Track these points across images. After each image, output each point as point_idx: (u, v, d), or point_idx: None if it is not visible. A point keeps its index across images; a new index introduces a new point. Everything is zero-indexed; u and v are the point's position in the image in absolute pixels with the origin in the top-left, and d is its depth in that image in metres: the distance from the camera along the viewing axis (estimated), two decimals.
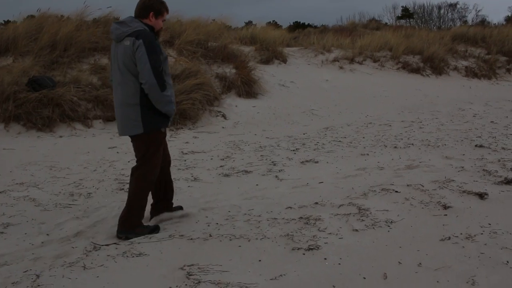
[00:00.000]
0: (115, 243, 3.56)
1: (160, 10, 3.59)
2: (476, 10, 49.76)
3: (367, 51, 14.02)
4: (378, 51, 14.05)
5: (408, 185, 4.72)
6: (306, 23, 34.94)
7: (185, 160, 6.10)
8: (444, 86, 12.31)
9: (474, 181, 4.84)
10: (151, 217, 3.96)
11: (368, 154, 6.18)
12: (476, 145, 6.40)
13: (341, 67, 13.03)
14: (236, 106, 9.25)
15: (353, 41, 14.45)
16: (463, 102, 10.45)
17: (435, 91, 11.63)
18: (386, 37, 14.91)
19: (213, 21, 17.82)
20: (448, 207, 4.10)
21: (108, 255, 3.34)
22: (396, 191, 4.53)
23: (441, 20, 54.64)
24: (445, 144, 6.55)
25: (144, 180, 3.64)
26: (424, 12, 55.90)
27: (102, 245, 3.52)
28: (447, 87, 12.17)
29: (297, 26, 34.45)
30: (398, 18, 58.10)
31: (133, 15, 3.64)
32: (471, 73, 13.73)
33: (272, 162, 5.94)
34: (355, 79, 12.09)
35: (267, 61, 12.73)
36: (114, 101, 3.69)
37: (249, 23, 16.91)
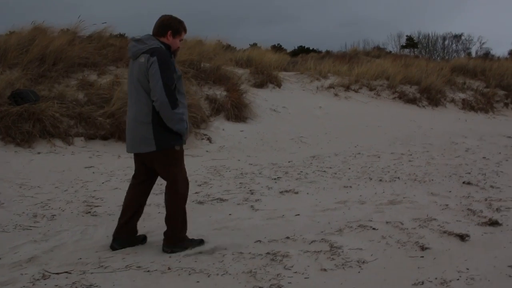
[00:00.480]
0: (66, 272, 3.38)
1: (178, 29, 3.66)
2: (480, 43, 50.08)
3: (363, 79, 13.97)
4: (375, 80, 14.01)
5: (387, 222, 4.56)
6: (311, 48, 35.32)
7: (160, 184, 5.90)
8: (439, 118, 12.22)
9: (457, 221, 4.68)
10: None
11: (351, 187, 6.02)
12: (464, 182, 6.25)
13: (336, 94, 12.95)
14: (223, 129, 9.13)
15: (350, 68, 14.39)
16: (457, 135, 10.32)
17: (430, 122, 11.53)
18: (385, 66, 14.87)
19: (217, 41, 17.75)
20: (426, 248, 3.93)
21: (56, 285, 3.16)
22: (374, 228, 4.37)
23: (445, 51, 54.94)
24: (432, 180, 6.39)
25: (178, 196, 3.70)
26: (429, 42, 56.27)
27: (53, 274, 3.34)
28: (442, 119, 12.07)
29: (301, 51, 34.74)
30: (403, 47, 58.53)
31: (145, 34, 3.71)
32: (468, 106, 13.66)
33: (250, 190, 5.78)
34: (349, 107, 12.00)
35: (261, 85, 12.68)
36: (127, 117, 3.72)
37: (254, 45, 16.88)
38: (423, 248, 3.92)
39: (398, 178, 6.48)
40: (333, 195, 5.63)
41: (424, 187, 6.02)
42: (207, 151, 8.17)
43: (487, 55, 33.93)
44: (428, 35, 52.90)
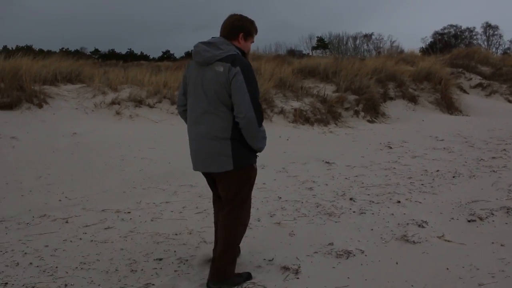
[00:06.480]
0: None
1: (250, 31, 3.52)
2: (390, 41, 50.56)
3: (170, 89, 11.09)
4: None
5: None
6: None
7: None
8: None
9: None
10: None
11: None
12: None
13: (118, 113, 9.94)
14: None
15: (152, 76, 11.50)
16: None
17: None
18: None
19: None
20: None
21: None
22: None
23: (357, 51, 55.28)
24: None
25: (240, 224, 3.52)
26: (339, 43, 56.38)
27: None
28: None
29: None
30: (314, 48, 58.36)
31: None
32: (302, 117, 11.11)
33: None
34: (123, 131, 9.04)
35: (10, 105, 9.50)
36: (192, 131, 3.48)
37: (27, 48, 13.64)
38: None
39: None
40: None
41: None
42: None
43: (400, 54, 33.39)
44: (339, 35, 52.89)
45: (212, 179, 3.63)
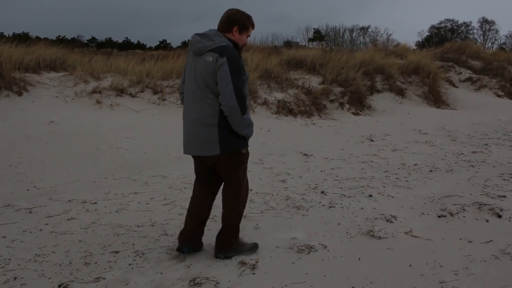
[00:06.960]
0: None
1: (246, 25, 3.62)
2: (387, 34, 50.44)
3: (152, 79, 10.91)
4: (167, 79, 10.98)
5: None
6: None
7: None
8: None
9: None
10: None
11: None
12: None
13: (98, 102, 9.77)
14: None
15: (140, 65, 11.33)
16: None
17: None
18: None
19: None
20: None
21: None
22: None
23: (353, 43, 55.10)
24: None
25: (238, 201, 3.73)
26: (336, 35, 56.16)
27: None
28: None
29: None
30: (310, 40, 58.16)
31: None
32: (284, 109, 10.97)
33: None
34: (102, 120, 8.88)
35: None
36: (185, 117, 3.64)
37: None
38: None
39: None
40: None
41: None
42: None
43: (396, 46, 33.43)
44: (335, 27, 52.77)
45: (202, 162, 3.72)
